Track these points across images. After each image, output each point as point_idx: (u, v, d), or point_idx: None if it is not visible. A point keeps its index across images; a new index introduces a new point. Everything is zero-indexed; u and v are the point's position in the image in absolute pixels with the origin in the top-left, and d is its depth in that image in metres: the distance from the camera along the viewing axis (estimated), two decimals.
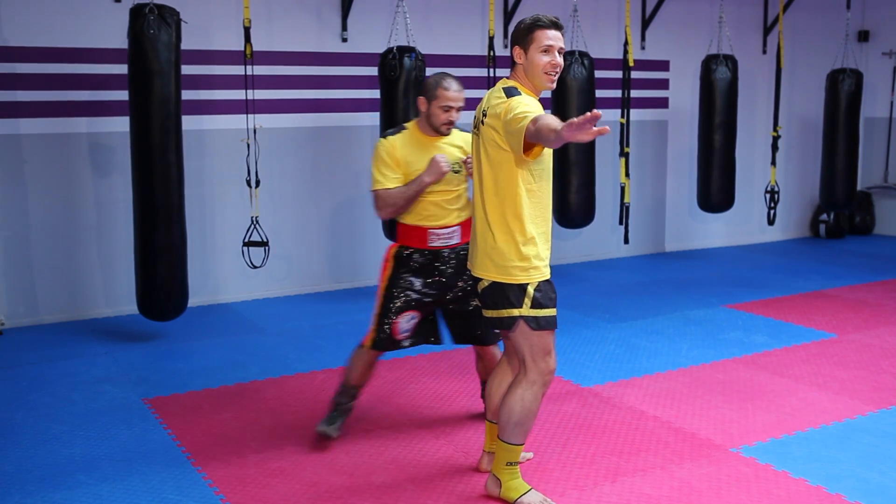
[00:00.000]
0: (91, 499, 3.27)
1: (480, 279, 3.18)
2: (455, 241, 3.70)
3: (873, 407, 4.18)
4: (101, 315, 6.00)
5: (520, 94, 3.04)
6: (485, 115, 3.10)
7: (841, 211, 8.74)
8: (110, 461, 3.60)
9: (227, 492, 3.31)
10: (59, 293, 5.90)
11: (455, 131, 3.71)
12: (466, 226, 3.70)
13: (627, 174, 7.12)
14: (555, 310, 3.14)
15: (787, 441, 3.77)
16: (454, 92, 3.58)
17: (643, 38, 8.04)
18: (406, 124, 3.75)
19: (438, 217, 3.66)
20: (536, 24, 3.08)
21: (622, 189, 7.11)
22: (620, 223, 7.20)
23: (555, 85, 3.12)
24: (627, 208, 7.14)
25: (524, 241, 3.06)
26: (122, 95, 5.39)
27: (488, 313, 3.20)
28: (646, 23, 8.00)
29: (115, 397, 4.40)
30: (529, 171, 3.04)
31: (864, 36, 9.34)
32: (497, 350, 3.79)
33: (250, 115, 5.61)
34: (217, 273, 6.38)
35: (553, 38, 3.06)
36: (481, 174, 3.13)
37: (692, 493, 3.28)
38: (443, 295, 3.70)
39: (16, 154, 5.71)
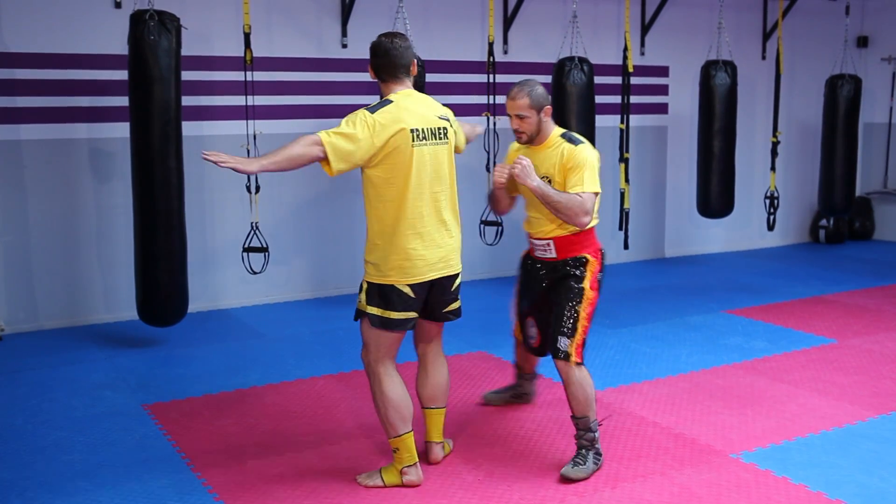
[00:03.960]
0: None
1: (458, 273, 3.50)
2: (549, 255, 3.68)
3: (873, 412, 4.18)
4: (101, 321, 6.00)
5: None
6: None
7: (840, 216, 8.74)
8: (110, 467, 3.60)
9: (227, 497, 3.31)
10: (58, 299, 5.90)
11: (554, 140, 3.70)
12: (562, 243, 3.64)
13: (627, 180, 7.13)
14: None
15: (788, 447, 3.77)
16: (511, 101, 3.59)
17: (643, 44, 8.05)
18: None
19: (534, 226, 3.73)
20: None
21: (622, 195, 7.11)
22: (620, 229, 7.20)
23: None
24: (627, 214, 7.14)
25: None
26: (123, 101, 5.39)
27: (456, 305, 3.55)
28: (645, 29, 8.02)
29: (115, 403, 4.40)
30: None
31: (863, 42, 9.36)
32: None
33: (250, 121, 5.62)
34: (217, 279, 6.38)
35: None
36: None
37: (692, 499, 3.28)
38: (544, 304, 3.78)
39: (16, 160, 5.71)
